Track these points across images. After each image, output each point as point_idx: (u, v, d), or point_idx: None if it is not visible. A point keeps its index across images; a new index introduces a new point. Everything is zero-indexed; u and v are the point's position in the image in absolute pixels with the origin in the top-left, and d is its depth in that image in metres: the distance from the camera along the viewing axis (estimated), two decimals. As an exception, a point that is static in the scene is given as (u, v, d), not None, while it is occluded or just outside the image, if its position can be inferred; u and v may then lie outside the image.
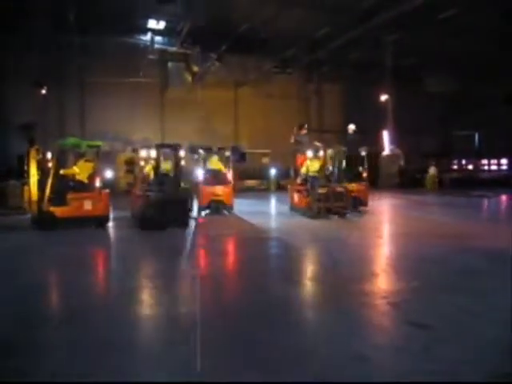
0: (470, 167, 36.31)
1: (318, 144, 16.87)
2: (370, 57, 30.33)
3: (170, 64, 30.90)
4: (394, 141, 29.41)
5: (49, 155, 13.47)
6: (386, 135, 29.33)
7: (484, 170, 36.45)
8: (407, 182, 28.59)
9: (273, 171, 29.36)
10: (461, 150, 37.24)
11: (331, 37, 26.70)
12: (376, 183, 28.80)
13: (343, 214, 14.96)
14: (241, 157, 27.58)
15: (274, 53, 29.85)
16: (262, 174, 30.38)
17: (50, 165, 13.11)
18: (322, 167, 15.72)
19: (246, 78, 31.92)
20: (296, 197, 16.25)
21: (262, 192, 27.27)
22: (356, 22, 24.23)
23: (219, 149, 16.91)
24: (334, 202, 14.84)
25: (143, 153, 14.93)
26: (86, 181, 13.33)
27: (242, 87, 32.95)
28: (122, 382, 3.90)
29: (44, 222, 12.52)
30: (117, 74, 28.82)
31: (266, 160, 30.58)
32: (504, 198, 21.89)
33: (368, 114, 31.36)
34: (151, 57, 29.11)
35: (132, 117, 30.16)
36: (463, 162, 37.59)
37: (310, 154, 16.12)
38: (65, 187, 12.93)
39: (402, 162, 29.86)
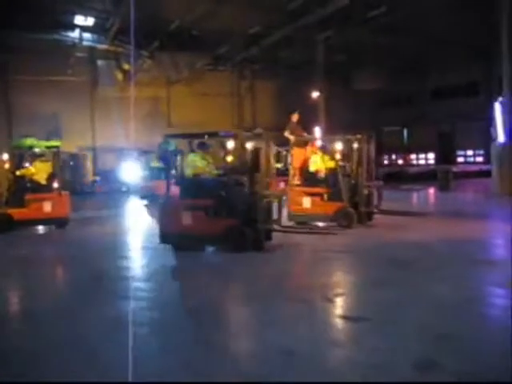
0: (400, 162, 37.49)
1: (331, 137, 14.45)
2: (301, 54, 30.73)
3: (99, 62, 30.20)
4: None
5: (4, 156, 12.83)
6: (318, 131, 29.73)
7: (413, 165, 37.72)
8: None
9: (125, 173, 28.33)
10: (390, 145, 38.37)
11: (263, 34, 26.90)
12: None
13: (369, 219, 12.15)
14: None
15: (206, 50, 29.74)
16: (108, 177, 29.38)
17: (6, 166, 12.62)
18: (337, 164, 12.25)
19: (179, 75, 31.65)
20: (306, 201, 12.22)
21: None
22: (287, 21, 24.52)
23: None
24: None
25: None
26: (43, 182, 12.81)
27: (175, 85, 32.63)
28: (122, 382, 3.77)
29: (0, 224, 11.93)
30: (45, 72, 27.86)
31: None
32: (431, 191, 22.69)
33: (301, 110, 31.72)
34: (80, 54, 28.38)
35: (62, 117, 29.27)
36: (393, 156, 38.77)
37: (321, 147, 13.32)
38: (22, 188, 12.46)
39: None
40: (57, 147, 13.20)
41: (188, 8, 23.27)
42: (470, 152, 37.56)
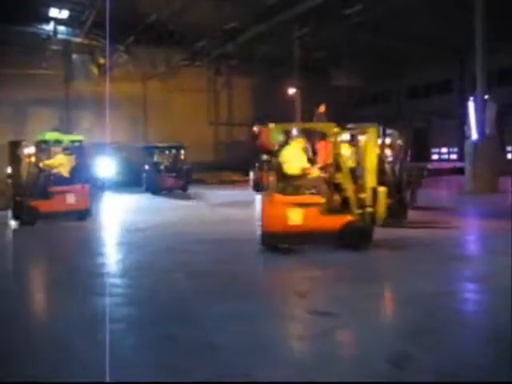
0: (375, 159, 37.62)
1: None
2: (278, 51, 30.73)
3: (74, 56, 29.80)
4: (303, 134, 29.95)
5: (30, 149, 13.00)
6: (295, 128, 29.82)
7: (388, 162, 37.87)
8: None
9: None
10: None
11: (240, 30, 26.83)
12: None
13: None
14: None
15: (183, 45, 29.59)
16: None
17: (32, 159, 12.89)
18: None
19: (155, 70, 31.42)
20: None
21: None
22: (263, 17, 24.50)
23: None
24: None
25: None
26: (66, 174, 13.20)
27: (151, 80, 32.39)
28: (122, 381, 3.74)
29: (26, 216, 12.31)
30: (18, 65, 27.40)
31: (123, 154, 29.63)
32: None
33: (277, 107, 31.80)
34: (55, 48, 27.99)
35: (35, 111, 28.84)
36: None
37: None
38: (46, 181, 12.83)
39: (309, 154, 30.49)
40: (80, 141, 13.51)
41: (165, 2, 23.12)
42: (444, 149, 37.99)
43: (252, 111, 36.31)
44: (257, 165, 21.71)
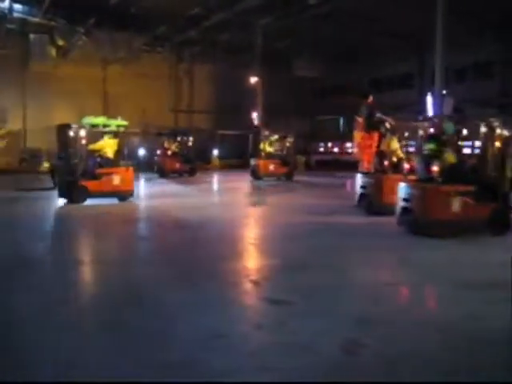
0: (336, 150, 38.03)
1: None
2: (241, 39, 30.54)
3: (31, 36, 28.84)
4: (264, 123, 29.94)
5: (81, 132, 13.65)
6: (255, 117, 29.79)
7: (348, 153, 38.29)
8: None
9: (141, 152, 28.33)
10: (327, 133, 38.88)
11: (203, 17, 26.54)
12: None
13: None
14: None
15: (145, 30, 29.08)
16: (130, 155, 29.15)
17: (82, 142, 13.65)
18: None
19: (116, 55, 30.78)
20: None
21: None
22: (227, 4, 24.29)
23: None
24: None
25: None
26: (111, 157, 14.11)
27: (112, 65, 31.73)
28: (122, 381, 3.65)
29: (77, 195, 13.19)
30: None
31: (135, 140, 29.51)
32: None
33: (239, 95, 31.71)
34: (10, 26, 27.07)
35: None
36: (329, 144, 39.26)
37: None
38: (94, 163, 13.82)
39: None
40: (125, 126, 14.44)
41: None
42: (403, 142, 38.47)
43: (213, 99, 36.09)
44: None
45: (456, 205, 8.94)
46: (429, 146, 9.46)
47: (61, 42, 28.63)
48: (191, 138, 25.58)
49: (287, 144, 23.82)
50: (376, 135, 12.10)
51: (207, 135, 32.72)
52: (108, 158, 14.08)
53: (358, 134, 12.71)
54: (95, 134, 14.49)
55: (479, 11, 25.46)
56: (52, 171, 15.06)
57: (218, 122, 34.85)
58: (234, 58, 32.79)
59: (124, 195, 13.91)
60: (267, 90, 29.83)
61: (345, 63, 37.46)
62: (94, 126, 14.03)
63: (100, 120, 14.36)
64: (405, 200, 9.45)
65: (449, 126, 9.86)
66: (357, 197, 12.37)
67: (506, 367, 3.93)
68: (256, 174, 22.52)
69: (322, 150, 39.54)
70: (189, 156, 24.82)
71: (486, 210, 9.05)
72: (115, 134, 14.38)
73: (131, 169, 14.25)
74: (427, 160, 9.47)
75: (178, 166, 24.34)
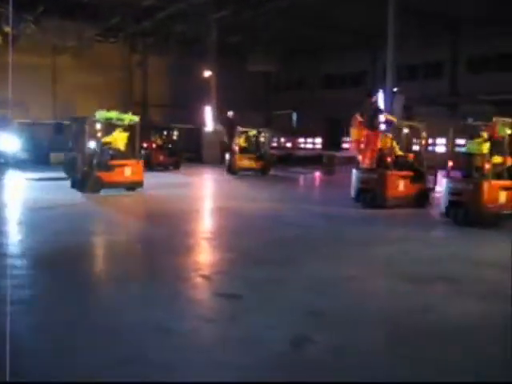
0: (289, 145, 38.23)
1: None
2: (196, 32, 30.27)
3: (-26, 21, 27.73)
4: (217, 117, 29.81)
5: (98, 125, 14.38)
6: (208, 111, 29.62)
7: (300, 148, 38.59)
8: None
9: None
10: (280, 128, 38.99)
11: (157, 8, 26.19)
12: (200, 159, 29.17)
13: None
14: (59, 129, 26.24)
15: (97, 19, 28.42)
16: None
17: (98, 135, 14.36)
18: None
19: (66, 44, 30.00)
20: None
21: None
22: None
23: None
24: None
25: None
26: (122, 149, 14.81)
27: (62, 54, 30.90)
28: (122, 382, 3.55)
29: (93, 185, 13.76)
30: None
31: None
32: (317, 174, 23.39)
33: (193, 89, 31.45)
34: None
35: None
36: (282, 139, 39.43)
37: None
38: (107, 155, 14.37)
39: (224, 139, 30.34)
40: (136, 121, 15.07)
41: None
42: (355, 139, 38.96)
43: (167, 92, 35.66)
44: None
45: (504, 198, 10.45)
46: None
47: (7, 29, 27.63)
48: (176, 132, 25.96)
49: (261, 139, 24.03)
50: (379, 133, 12.73)
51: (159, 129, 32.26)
52: (119, 150, 14.79)
53: (355, 132, 13.15)
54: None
55: (431, 11, 26.00)
56: (65, 162, 15.57)
57: (171, 116, 34.48)
58: (189, 51, 32.50)
59: (135, 186, 14.65)
60: (221, 84, 29.70)
61: (299, 59, 37.70)
62: (107, 119, 14.70)
63: (113, 114, 14.94)
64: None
65: (503, 129, 10.67)
66: (354, 191, 12.85)
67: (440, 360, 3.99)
68: (231, 169, 22.67)
69: (274, 144, 39.69)
70: (173, 149, 25.08)
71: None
72: (126, 128, 15.12)
73: (141, 161, 15.11)
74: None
75: (162, 159, 24.57)
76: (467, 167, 10.68)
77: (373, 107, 13.21)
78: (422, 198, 12.75)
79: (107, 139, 14.79)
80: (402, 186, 12.40)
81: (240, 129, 23.72)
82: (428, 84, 31.59)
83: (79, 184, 14.09)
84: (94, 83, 31.38)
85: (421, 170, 12.84)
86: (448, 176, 10.83)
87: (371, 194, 12.37)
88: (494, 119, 10.53)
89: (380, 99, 19.87)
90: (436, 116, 29.02)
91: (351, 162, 29.21)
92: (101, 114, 14.62)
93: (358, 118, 12.93)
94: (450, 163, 11.04)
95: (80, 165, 14.11)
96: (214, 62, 29.54)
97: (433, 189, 13.04)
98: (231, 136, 24.62)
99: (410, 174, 12.56)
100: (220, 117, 29.59)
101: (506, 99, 27.09)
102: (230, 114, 25.94)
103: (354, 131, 13.22)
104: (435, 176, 13.07)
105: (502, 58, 28.90)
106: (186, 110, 32.27)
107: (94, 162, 14.06)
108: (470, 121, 11.32)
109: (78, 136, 14.29)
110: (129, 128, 15.20)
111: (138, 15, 27.75)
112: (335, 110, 37.59)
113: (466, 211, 10.16)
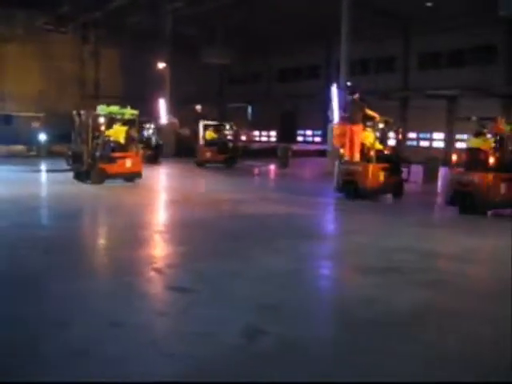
0: (243, 138, 38.25)
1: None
2: (150, 23, 29.89)
3: None
4: (172, 110, 29.55)
5: (101, 120, 15.22)
6: (162, 104, 29.33)
7: (256, 141, 38.71)
8: (184, 151, 28.64)
9: (43, 136, 26.95)
10: (235, 121, 39.03)
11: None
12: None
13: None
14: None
15: (46, 8, 27.71)
16: (31, 140, 27.84)
17: (102, 128, 15.21)
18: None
19: (14, 33, 29.14)
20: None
21: (31, 159, 24.99)
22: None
23: None
24: None
25: None
26: (122, 142, 15.57)
27: (9, 43, 29.98)
28: (122, 382, 3.43)
29: (97, 176, 14.52)
30: None
31: (36, 124, 28.09)
32: (272, 167, 23.51)
33: (148, 81, 31.08)
34: None
35: None
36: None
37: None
38: (109, 148, 15.14)
39: (183, 132, 30.13)
40: (136, 115, 15.98)
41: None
42: (309, 132, 39.42)
43: (121, 84, 35.13)
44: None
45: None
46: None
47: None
48: (153, 126, 25.26)
49: (225, 132, 24.38)
50: (362, 128, 13.38)
51: (113, 121, 31.72)
52: (119, 143, 15.53)
53: (338, 127, 13.98)
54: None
55: (383, 8, 26.44)
56: (69, 155, 15.83)
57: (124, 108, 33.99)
58: (142, 42, 32.08)
59: (135, 176, 15.37)
60: (176, 77, 29.44)
61: (255, 52, 37.74)
62: (109, 113, 15.50)
63: (115, 109, 15.72)
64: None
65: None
66: (337, 183, 13.56)
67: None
68: (198, 161, 22.96)
69: (229, 138, 39.65)
70: (150, 142, 24.35)
71: (394, 180, 13.31)
72: (125, 122, 15.93)
73: (140, 153, 16.10)
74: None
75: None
76: (471, 161, 11.31)
77: (356, 103, 13.53)
78: (398, 188, 13.61)
79: (109, 132, 15.60)
80: (381, 177, 13.23)
81: (205, 122, 23.86)
82: (381, 78, 32.15)
83: (83, 175, 14.83)
84: (44, 73, 30.64)
85: (397, 162, 13.76)
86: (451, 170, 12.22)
87: (355, 185, 13.07)
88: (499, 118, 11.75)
89: (333, 93, 20.13)
90: (388, 110, 29.67)
91: (307, 154, 29.79)
92: (103, 109, 15.34)
93: (341, 113, 13.80)
94: (454, 157, 12.32)
95: (85, 157, 14.63)
96: (169, 54, 29.26)
97: (406, 180, 13.90)
98: (196, 129, 24.60)
99: (388, 166, 13.34)
100: (182, 110, 29.34)
101: (454, 94, 27.90)
102: (198, 107, 25.84)
103: (336, 126, 14.10)
104: (409, 168, 14.00)
105: (451, 54, 29.68)
106: (142, 102, 31.85)
107: (98, 154, 14.70)
108: (473, 118, 11.97)
109: (82, 129, 14.88)
110: (127, 121, 16.00)
111: (89, 5, 27.18)
112: (290, 103, 37.91)
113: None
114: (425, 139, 31.47)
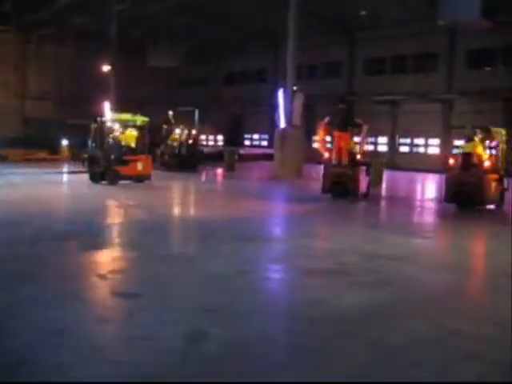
0: (190, 142, 38.02)
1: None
2: (95, 24, 29.39)
3: None
4: (117, 112, 29.03)
5: (116, 126, 16.75)
6: (107, 106, 28.82)
7: (203, 145, 38.57)
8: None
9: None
10: (184, 124, 38.79)
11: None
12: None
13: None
14: None
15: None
16: None
17: (116, 134, 16.58)
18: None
19: None
20: None
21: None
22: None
23: None
24: None
25: None
26: (133, 146, 16.79)
27: None
28: (122, 382, 3.41)
29: (111, 178, 15.69)
30: None
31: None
32: (219, 170, 23.49)
33: (92, 83, 30.52)
34: None
35: None
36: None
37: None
38: (123, 151, 16.34)
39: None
40: (147, 121, 17.21)
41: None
42: (256, 136, 39.61)
43: (67, 85, 34.31)
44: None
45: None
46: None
47: None
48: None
49: (184, 136, 24.19)
50: (349, 134, 14.40)
51: (55, 123, 30.86)
52: (130, 147, 16.71)
53: (321, 133, 14.82)
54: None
55: (329, 15, 26.94)
56: (85, 158, 17.17)
57: (69, 111, 33.19)
58: (88, 43, 31.49)
59: (145, 178, 16.52)
60: (123, 79, 29.04)
61: (202, 56, 37.68)
62: (123, 120, 17.00)
63: (128, 116, 17.19)
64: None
65: (136, 118, 16.98)
66: (323, 185, 14.32)
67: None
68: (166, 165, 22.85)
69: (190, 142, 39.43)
70: (176, 149, 23.67)
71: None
72: (136, 128, 17.13)
73: (150, 157, 17.23)
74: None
75: None
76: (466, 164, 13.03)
77: (343, 111, 15.34)
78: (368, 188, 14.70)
79: (121, 138, 16.76)
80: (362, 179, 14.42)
81: (165, 126, 23.88)
82: (327, 83, 32.67)
83: (99, 177, 15.99)
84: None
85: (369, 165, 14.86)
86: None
87: (343, 187, 14.01)
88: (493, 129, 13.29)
89: (280, 97, 20.32)
90: (335, 115, 30.18)
91: (254, 158, 29.92)
92: (117, 116, 17.03)
93: (325, 121, 14.74)
94: (452, 161, 13.80)
95: (102, 160, 15.86)
96: (115, 55, 28.82)
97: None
98: (167, 135, 24.22)
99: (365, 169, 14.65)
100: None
101: (396, 99, 28.71)
102: (170, 113, 25.43)
103: (320, 132, 14.92)
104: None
105: (395, 61, 30.50)
106: (87, 103, 31.21)
107: (112, 157, 15.85)
108: (468, 128, 13.85)
109: (97, 135, 16.23)
110: (138, 127, 17.23)
111: (32, 3, 26.50)
112: (237, 106, 38.03)
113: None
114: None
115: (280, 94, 20.45)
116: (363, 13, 26.51)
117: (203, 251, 7.50)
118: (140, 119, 17.28)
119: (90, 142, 16.71)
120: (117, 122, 16.81)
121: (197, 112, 39.29)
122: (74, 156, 27.23)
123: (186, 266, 6.62)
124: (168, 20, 28.51)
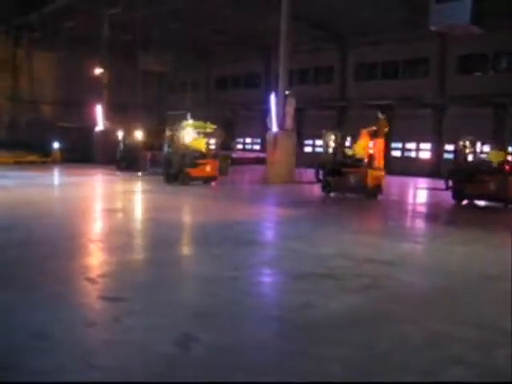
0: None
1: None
2: (86, 28, 29.32)
3: None
4: (109, 116, 29.01)
5: (187, 133, 18.14)
6: (99, 110, 28.80)
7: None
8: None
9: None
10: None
11: (44, 0, 25.16)
12: (92, 159, 28.22)
13: None
14: None
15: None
16: None
17: (185, 141, 17.99)
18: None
19: None
20: None
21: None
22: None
23: None
24: None
25: None
26: (203, 151, 18.53)
27: None
28: (122, 381, 3.43)
29: (183, 179, 17.55)
30: None
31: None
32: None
33: (84, 87, 30.44)
34: None
35: None
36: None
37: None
38: (194, 155, 18.00)
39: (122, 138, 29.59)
40: (214, 128, 19.47)
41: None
42: (248, 140, 39.61)
43: (58, 89, 34.19)
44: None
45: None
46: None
47: None
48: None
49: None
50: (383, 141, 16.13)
51: (48, 127, 30.75)
52: (201, 152, 18.36)
53: (363, 140, 16.00)
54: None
55: (320, 20, 27.02)
56: (162, 161, 18.95)
57: (60, 114, 33.10)
58: (79, 47, 31.40)
59: (212, 179, 18.45)
60: (113, 83, 28.99)
61: (194, 60, 37.69)
62: (195, 127, 18.61)
63: (200, 124, 19.02)
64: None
65: (206, 125, 19.20)
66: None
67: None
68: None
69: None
70: None
71: None
72: (205, 134, 19.18)
73: (217, 160, 18.95)
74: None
75: None
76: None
77: (385, 121, 16.05)
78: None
79: (192, 143, 18.23)
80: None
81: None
82: (319, 88, 32.76)
83: (173, 178, 17.73)
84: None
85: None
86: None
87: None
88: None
89: (272, 101, 20.34)
90: (327, 119, 30.30)
91: (246, 162, 29.87)
92: (190, 124, 18.45)
93: (365, 130, 16.00)
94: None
95: (175, 163, 17.71)
96: (106, 59, 28.76)
97: None
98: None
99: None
100: (119, 117, 28.74)
101: (388, 104, 28.81)
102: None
103: (362, 140, 16.11)
104: None
105: (386, 66, 30.63)
106: (79, 107, 31.15)
107: (185, 161, 17.62)
108: (469, 138, 15.37)
109: (172, 141, 18.09)
110: (207, 134, 19.29)
111: (23, 7, 26.42)
112: (229, 111, 38.04)
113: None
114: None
115: (272, 98, 20.47)
116: (354, 19, 26.59)
117: (194, 255, 7.47)
118: (210, 127, 19.29)
119: (165, 147, 18.45)
120: (191, 129, 18.35)
121: (189, 116, 39.34)
122: (64, 160, 27.15)
123: (174, 270, 6.59)
124: (160, 24, 28.50)
